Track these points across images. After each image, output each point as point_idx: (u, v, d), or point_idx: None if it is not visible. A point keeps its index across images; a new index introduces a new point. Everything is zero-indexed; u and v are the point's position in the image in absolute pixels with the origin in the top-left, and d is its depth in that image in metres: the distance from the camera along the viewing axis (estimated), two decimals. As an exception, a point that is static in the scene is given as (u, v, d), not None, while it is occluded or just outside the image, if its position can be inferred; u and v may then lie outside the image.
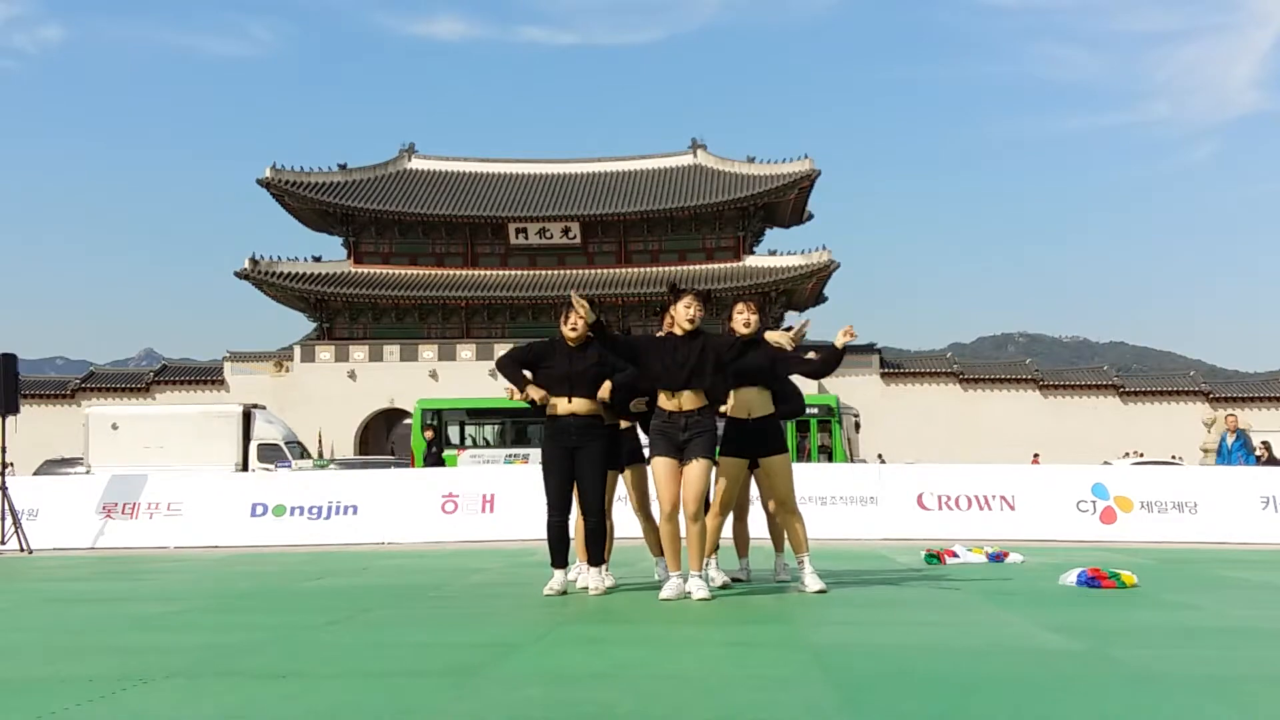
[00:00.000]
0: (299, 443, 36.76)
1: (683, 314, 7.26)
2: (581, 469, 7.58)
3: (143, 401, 55.40)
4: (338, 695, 4.24)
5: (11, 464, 18.49)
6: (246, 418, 34.62)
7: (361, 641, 5.71)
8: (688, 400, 7.21)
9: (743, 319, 7.62)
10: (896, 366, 57.19)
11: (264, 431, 34.99)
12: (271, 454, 33.96)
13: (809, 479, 15.49)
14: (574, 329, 7.60)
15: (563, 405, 7.58)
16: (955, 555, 10.63)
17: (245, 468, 32.95)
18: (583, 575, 7.91)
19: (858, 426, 36.81)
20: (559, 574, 7.73)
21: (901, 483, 15.26)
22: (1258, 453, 20.46)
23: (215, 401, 54.98)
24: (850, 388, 55.10)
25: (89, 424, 34.12)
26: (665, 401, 7.25)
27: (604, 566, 7.87)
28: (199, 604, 7.78)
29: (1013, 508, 14.88)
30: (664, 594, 7.21)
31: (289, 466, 30.81)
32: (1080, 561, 9.56)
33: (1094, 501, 14.82)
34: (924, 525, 14.66)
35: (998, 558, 10.65)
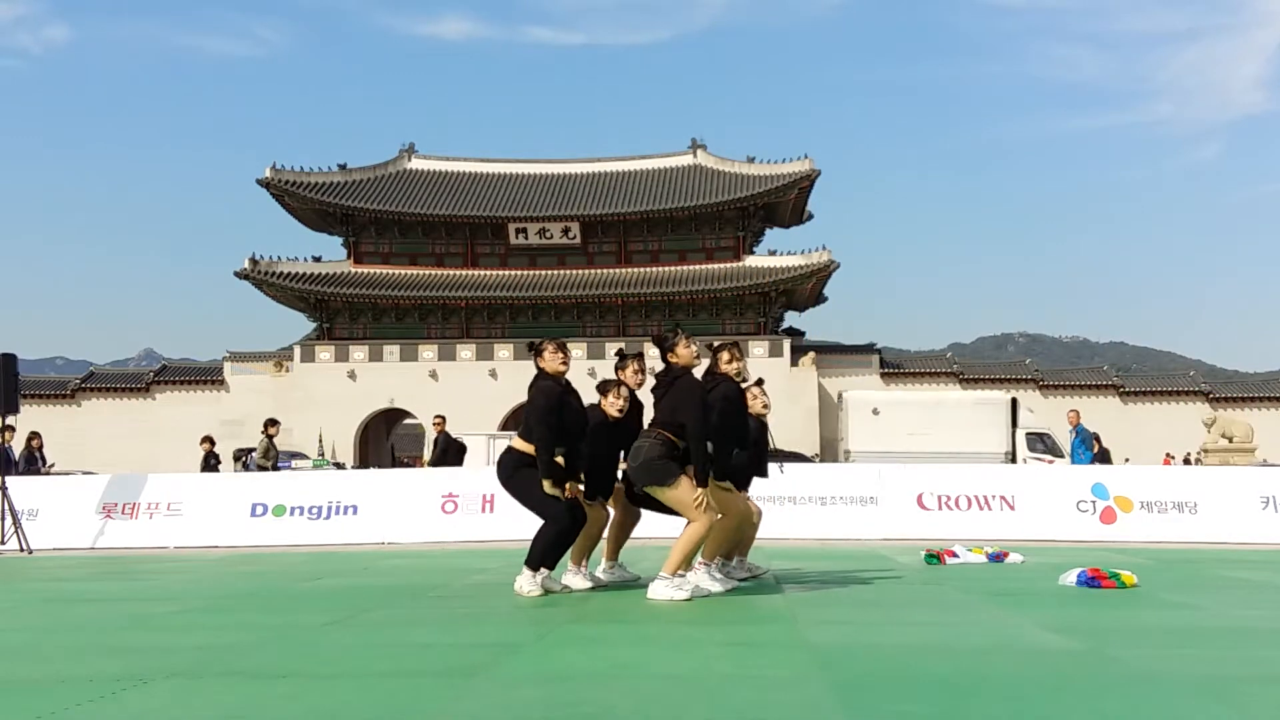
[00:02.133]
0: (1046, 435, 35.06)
1: (686, 353, 7.46)
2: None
3: (143, 401, 55.44)
4: (338, 695, 4.24)
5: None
6: (1013, 406, 33.72)
7: (361, 641, 5.71)
8: None
9: (735, 368, 7.84)
10: (896, 366, 57.16)
11: (1028, 420, 34.04)
12: (1038, 443, 33.19)
13: (809, 479, 15.50)
14: (565, 364, 7.67)
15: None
16: (955, 555, 10.63)
17: (1014, 457, 31.98)
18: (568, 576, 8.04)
19: None
20: (573, 570, 7.93)
21: (901, 483, 15.26)
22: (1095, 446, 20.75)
23: (214, 402, 55.04)
24: (850, 387, 55.11)
25: (848, 408, 33.00)
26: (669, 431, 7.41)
27: (583, 566, 8.09)
28: (199, 604, 7.78)
29: (1013, 508, 14.88)
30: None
31: (1059, 459, 29.99)
32: (1080, 561, 9.56)
33: (1094, 501, 14.82)
34: (924, 525, 14.66)
35: (998, 558, 10.65)
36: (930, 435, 30.56)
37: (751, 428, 8.24)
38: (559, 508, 7.51)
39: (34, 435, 20.01)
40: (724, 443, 7.54)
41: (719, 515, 7.37)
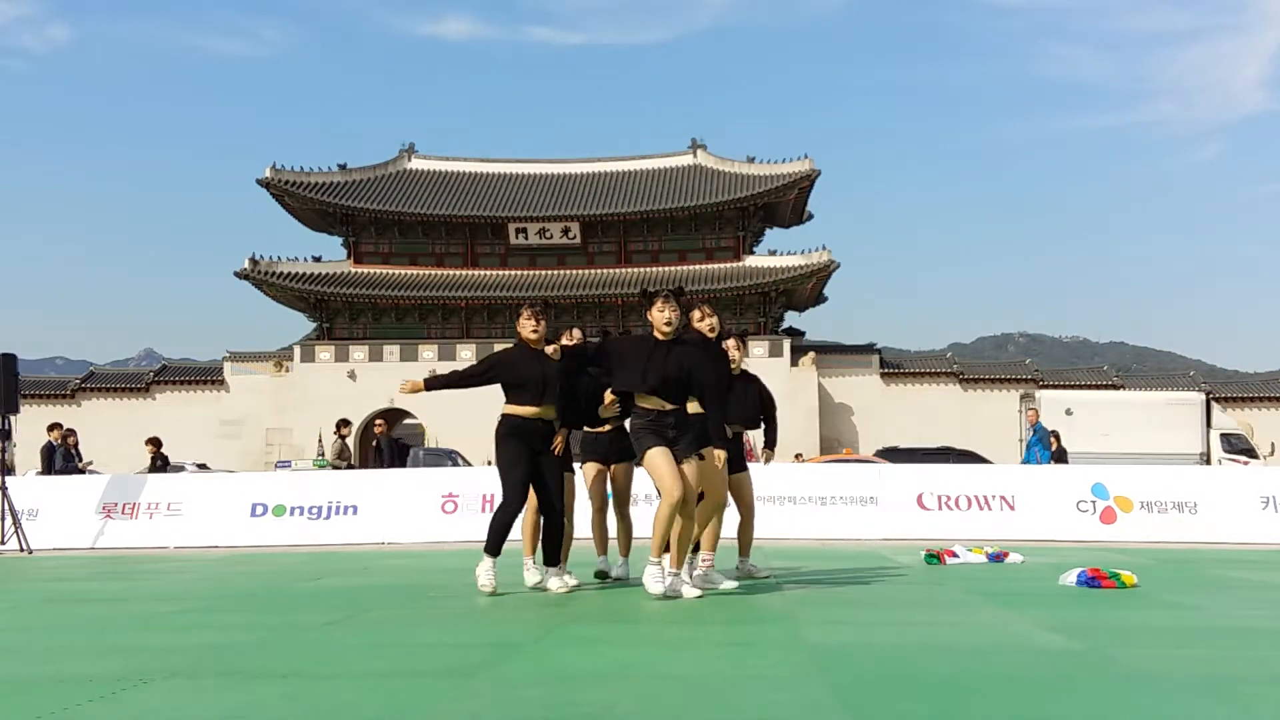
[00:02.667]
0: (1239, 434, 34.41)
1: (658, 318, 7.23)
2: (546, 471, 7.67)
3: (143, 401, 55.42)
4: (338, 695, 4.24)
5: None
6: (1207, 406, 33.48)
7: (361, 641, 5.71)
8: (666, 403, 7.18)
9: (708, 324, 7.64)
10: (896, 366, 57.18)
11: (1222, 421, 33.87)
12: (1233, 444, 32.88)
13: (809, 478, 15.50)
14: (535, 332, 7.72)
15: (531, 409, 7.61)
16: (955, 555, 10.63)
17: (1208, 458, 31.76)
18: (543, 575, 7.95)
19: None
20: (490, 561, 7.75)
21: (901, 483, 15.26)
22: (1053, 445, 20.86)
23: (214, 402, 55.06)
24: (850, 388, 55.14)
25: (1041, 408, 33.25)
26: (646, 401, 7.18)
27: (563, 566, 7.97)
28: (199, 604, 7.78)
29: (1013, 508, 14.88)
30: (688, 593, 7.25)
31: (1253, 459, 29.68)
32: (1080, 561, 9.56)
33: (1094, 501, 14.82)
34: (924, 525, 14.66)
35: (998, 558, 10.65)
36: (1123, 436, 30.41)
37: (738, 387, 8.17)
38: (508, 487, 7.61)
39: (70, 432, 19.78)
40: (709, 404, 7.44)
41: (676, 492, 7.06)
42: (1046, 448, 20.42)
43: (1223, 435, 33.58)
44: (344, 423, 19.48)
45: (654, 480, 7.21)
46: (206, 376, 56.87)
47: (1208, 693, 4.17)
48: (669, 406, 7.17)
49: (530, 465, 7.62)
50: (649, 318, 7.31)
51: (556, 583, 7.78)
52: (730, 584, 7.92)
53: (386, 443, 20.16)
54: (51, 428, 19.47)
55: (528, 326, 7.72)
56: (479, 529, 14.90)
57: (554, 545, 7.83)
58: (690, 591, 7.28)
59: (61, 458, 19.25)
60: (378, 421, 20.88)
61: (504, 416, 7.74)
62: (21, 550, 14.27)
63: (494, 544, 7.71)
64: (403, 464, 19.94)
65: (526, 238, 57.16)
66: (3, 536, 14.50)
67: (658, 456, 7.08)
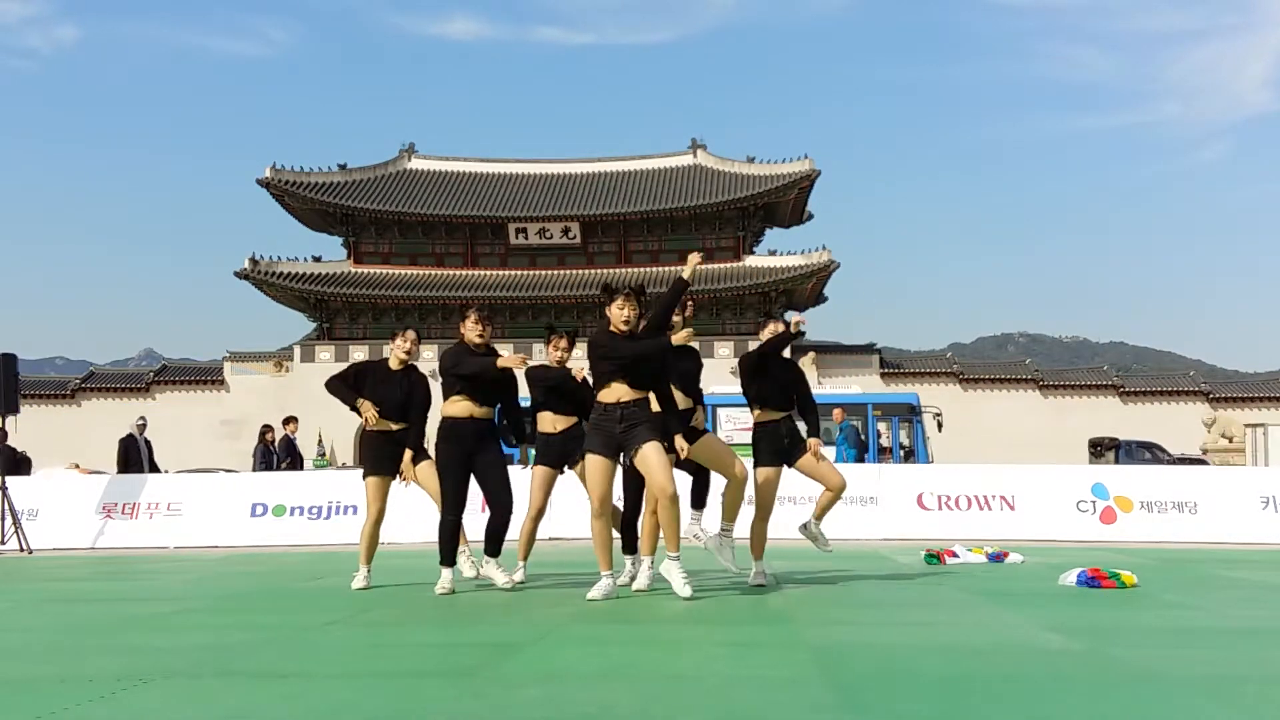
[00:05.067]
0: None
1: (617, 315, 7.22)
2: (485, 471, 7.86)
3: (143, 402, 55.41)
4: (338, 695, 4.24)
5: None
6: None
7: (361, 641, 5.72)
8: (625, 392, 7.14)
9: (623, 315, 7.26)
10: (896, 366, 57.16)
11: None
12: None
13: (808, 478, 15.48)
14: (481, 336, 7.95)
15: (462, 409, 7.80)
16: (955, 555, 10.63)
17: None
18: (486, 567, 8.32)
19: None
20: (447, 573, 8.06)
21: (901, 483, 15.26)
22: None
23: (214, 403, 55.04)
24: (850, 387, 55.10)
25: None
26: (604, 395, 7.20)
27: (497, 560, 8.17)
28: (199, 604, 7.79)
29: (1013, 508, 14.88)
30: (593, 594, 7.26)
31: None
32: (1080, 561, 9.56)
33: (1094, 501, 14.82)
34: (924, 525, 14.66)
35: (998, 558, 10.65)
36: None
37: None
38: (444, 500, 8.04)
39: (289, 420, 18.37)
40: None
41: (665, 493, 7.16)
42: (853, 445, 20.89)
43: None
44: (288, 420, 18.35)
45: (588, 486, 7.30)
46: (206, 376, 56.84)
47: (1208, 693, 4.17)
48: (624, 398, 7.12)
49: (466, 470, 7.98)
50: (608, 313, 7.28)
51: (501, 576, 8.09)
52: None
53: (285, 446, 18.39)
54: (265, 430, 18.39)
55: (473, 331, 7.99)
56: (479, 529, 14.96)
57: (499, 540, 8.11)
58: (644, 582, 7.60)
59: (284, 449, 18.15)
60: (271, 426, 18.63)
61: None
62: (21, 550, 14.26)
63: (446, 556, 8.17)
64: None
65: (526, 238, 57.16)
66: (3, 536, 14.49)
67: (590, 464, 7.21)
